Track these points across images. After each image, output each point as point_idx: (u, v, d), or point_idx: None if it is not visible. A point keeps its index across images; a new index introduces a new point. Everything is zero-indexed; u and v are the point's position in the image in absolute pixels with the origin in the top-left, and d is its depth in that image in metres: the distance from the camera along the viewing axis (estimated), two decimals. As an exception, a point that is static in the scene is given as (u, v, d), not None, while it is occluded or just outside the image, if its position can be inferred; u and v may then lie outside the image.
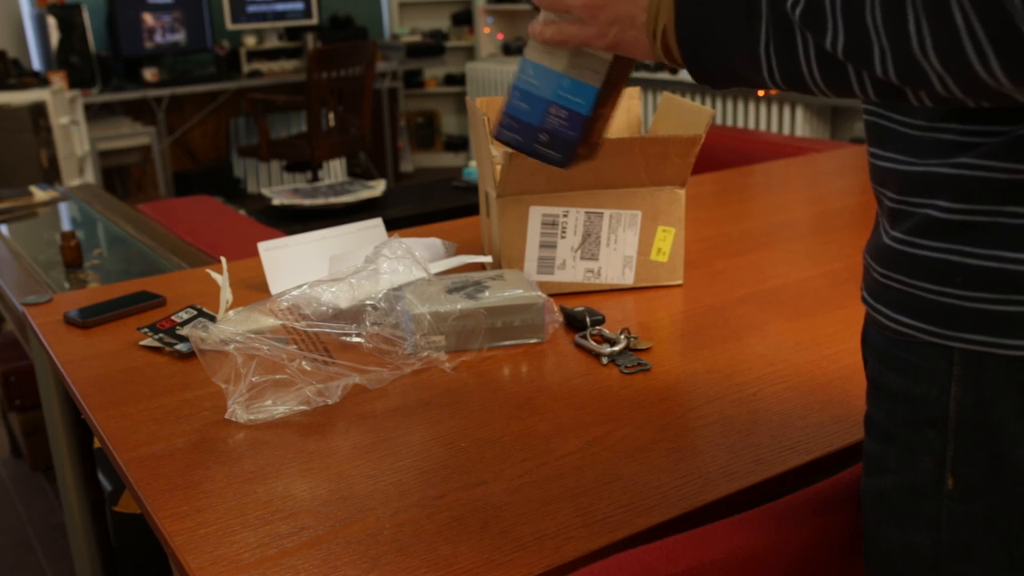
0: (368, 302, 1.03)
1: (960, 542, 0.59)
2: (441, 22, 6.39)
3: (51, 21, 4.68)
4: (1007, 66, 0.46)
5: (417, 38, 6.18)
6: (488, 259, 1.27)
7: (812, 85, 0.56)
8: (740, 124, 4.39)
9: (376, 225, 1.37)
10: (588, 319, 1.11)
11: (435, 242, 1.32)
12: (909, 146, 0.57)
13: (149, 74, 5.14)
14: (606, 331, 1.10)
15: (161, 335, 1.11)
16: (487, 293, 1.08)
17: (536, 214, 1.21)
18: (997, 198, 0.53)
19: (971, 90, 0.49)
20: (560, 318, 1.12)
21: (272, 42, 5.67)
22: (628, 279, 1.26)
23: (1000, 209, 0.53)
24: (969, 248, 0.54)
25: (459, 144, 6.44)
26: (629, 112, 1.43)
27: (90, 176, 4.57)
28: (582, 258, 1.23)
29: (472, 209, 3.09)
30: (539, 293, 1.08)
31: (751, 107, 4.32)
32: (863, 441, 0.66)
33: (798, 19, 0.53)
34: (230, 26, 5.47)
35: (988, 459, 0.56)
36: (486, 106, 1.38)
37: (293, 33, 5.72)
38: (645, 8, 0.63)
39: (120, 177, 5.19)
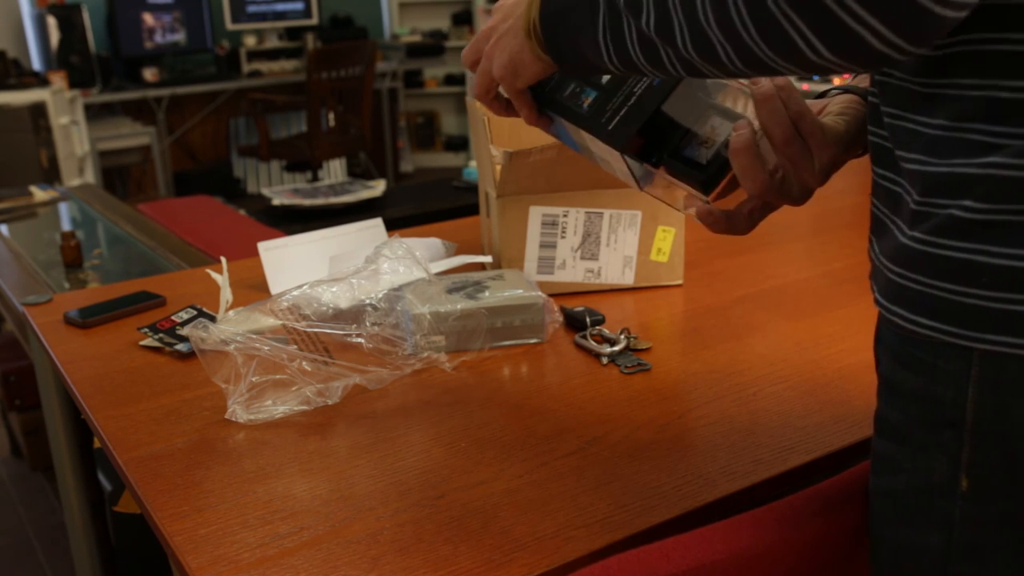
0: (368, 302, 1.03)
1: (972, 543, 0.59)
2: (441, 22, 6.40)
3: (51, 21, 4.68)
4: (760, 31, 0.52)
5: (417, 38, 6.18)
6: (488, 259, 1.27)
7: (640, 65, 0.63)
8: (740, 124, 4.38)
9: (376, 225, 1.37)
10: (588, 319, 1.11)
11: (435, 242, 1.32)
12: (933, 147, 0.57)
13: (149, 74, 5.15)
14: (606, 331, 1.10)
15: (161, 335, 1.11)
16: (487, 293, 1.08)
17: (536, 214, 1.21)
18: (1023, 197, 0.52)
19: (748, 61, 0.55)
20: (560, 318, 1.12)
21: (272, 42, 5.67)
22: (628, 279, 1.26)
23: None
24: (996, 248, 0.54)
25: (459, 144, 6.44)
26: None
27: (90, 176, 4.58)
28: (582, 258, 1.23)
29: (472, 209, 3.09)
30: (539, 293, 1.08)
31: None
32: (872, 440, 0.66)
33: (623, 5, 0.61)
34: (230, 26, 5.48)
35: (1004, 461, 0.56)
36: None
37: (293, 33, 5.73)
38: (522, 15, 0.72)
39: (120, 177, 5.19)
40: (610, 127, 0.74)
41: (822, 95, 0.81)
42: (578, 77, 0.77)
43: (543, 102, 0.79)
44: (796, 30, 0.51)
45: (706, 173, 0.72)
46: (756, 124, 0.69)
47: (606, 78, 0.76)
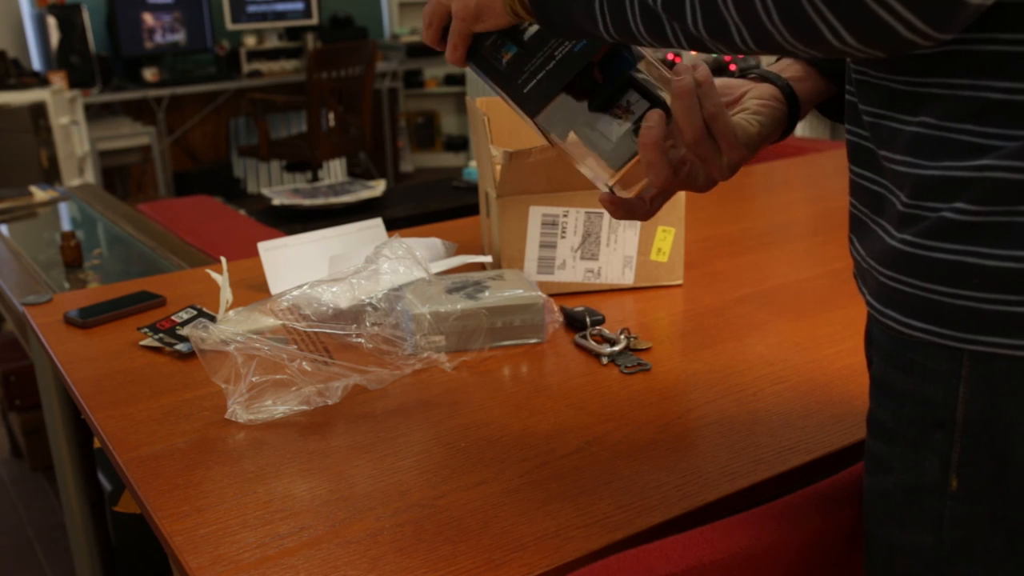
0: (368, 302, 1.03)
1: (963, 542, 0.59)
2: (441, 22, 6.38)
3: (51, 21, 4.68)
4: (785, 18, 0.52)
5: (417, 38, 6.17)
6: (488, 259, 1.28)
7: (640, 37, 0.62)
8: (740, 124, 4.38)
9: (376, 225, 1.37)
10: (588, 319, 1.11)
11: (435, 242, 1.32)
12: (919, 147, 0.57)
13: (149, 74, 5.15)
14: (606, 331, 1.10)
15: (161, 335, 1.11)
16: (487, 293, 1.09)
17: (536, 214, 1.21)
18: (1016, 198, 0.52)
19: (764, 43, 0.55)
20: (560, 318, 1.12)
21: (272, 42, 5.67)
22: (628, 279, 1.26)
23: (1018, 209, 0.52)
24: (988, 249, 0.54)
25: (459, 144, 6.44)
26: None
27: (90, 176, 4.57)
28: (582, 258, 1.23)
29: (472, 209, 3.09)
30: (539, 293, 1.08)
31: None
32: (865, 440, 0.66)
33: None
34: (230, 26, 5.48)
35: (994, 461, 0.56)
36: (486, 106, 1.38)
37: (293, 33, 5.73)
38: None
39: (120, 177, 5.19)
40: (525, 90, 0.72)
41: (743, 74, 0.81)
42: (501, 31, 0.74)
43: None
44: (822, 19, 0.51)
45: (611, 158, 0.71)
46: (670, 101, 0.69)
47: (528, 34, 0.73)
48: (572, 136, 0.72)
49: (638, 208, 0.74)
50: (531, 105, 0.72)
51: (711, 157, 0.69)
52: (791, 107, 0.78)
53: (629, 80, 0.72)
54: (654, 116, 0.67)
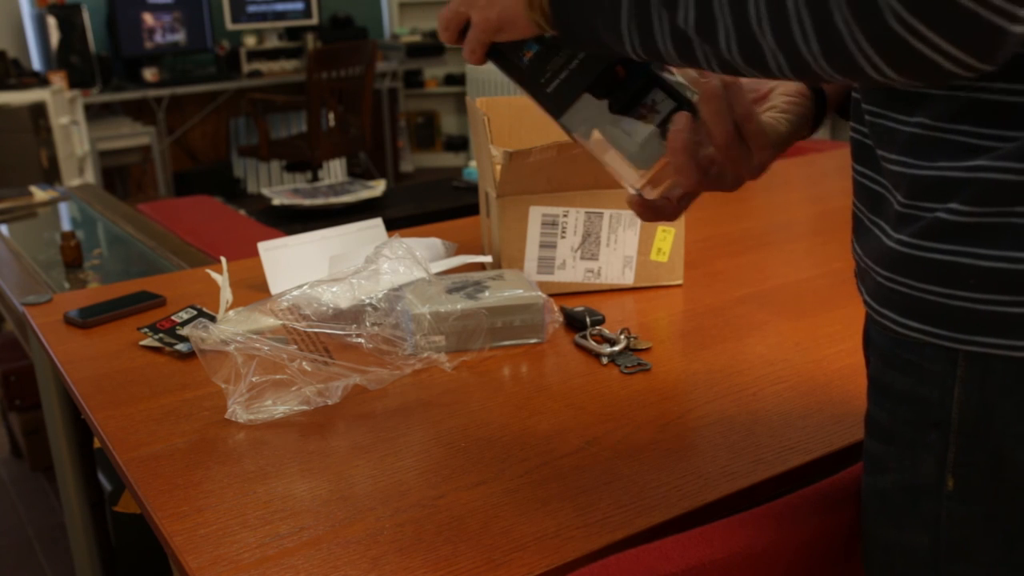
0: (368, 302, 1.03)
1: (959, 542, 0.59)
2: (441, 22, 6.37)
3: (51, 21, 4.68)
4: (824, 49, 0.51)
5: (417, 38, 6.18)
6: (488, 259, 1.28)
7: (668, 57, 0.61)
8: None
9: (376, 225, 1.37)
10: (588, 319, 1.11)
11: (435, 242, 1.32)
12: (915, 147, 0.57)
13: (149, 74, 5.15)
14: (606, 331, 1.10)
15: (161, 335, 1.11)
16: (487, 293, 1.09)
17: (536, 214, 1.21)
18: (1010, 199, 0.52)
19: (799, 71, 0.53)
20: (560, 318, 1.12)
21: (272, 42, 5.67)
22: (628, 279, 1.26)
23: (1012, 210, 0.52)
24: (981, 250, 0.54)
25: (459, 144, 6.44)
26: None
27: (90, 176, 4.57)
28: (582, 258, 1.23)
29: (472, 209, 3.09)
30: (539, 293, 1.08)
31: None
32: (864, 440, 0.66)
33: None
34: (230, 26, 5.47)
35: (990, 461, 0.56)
36: (486, 106, 1.38)
37: (293, 33, 5.72)
38: None
39: (120, 177, 5.19)
40: (548, 89, 0.70)
41: None
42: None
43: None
44: (861, 51, 0.49)
45: (638, 160, 0.70)
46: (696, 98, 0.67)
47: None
48: (597, 135, 0.70)
49: (665, 209, 0.73)
50: (555, 105, 0.71)
51: (741, 159, 0.68)
52: (818, 102, 0.76)
53: (653, 77, 0.70)
54: (682, 119, 0.66)
